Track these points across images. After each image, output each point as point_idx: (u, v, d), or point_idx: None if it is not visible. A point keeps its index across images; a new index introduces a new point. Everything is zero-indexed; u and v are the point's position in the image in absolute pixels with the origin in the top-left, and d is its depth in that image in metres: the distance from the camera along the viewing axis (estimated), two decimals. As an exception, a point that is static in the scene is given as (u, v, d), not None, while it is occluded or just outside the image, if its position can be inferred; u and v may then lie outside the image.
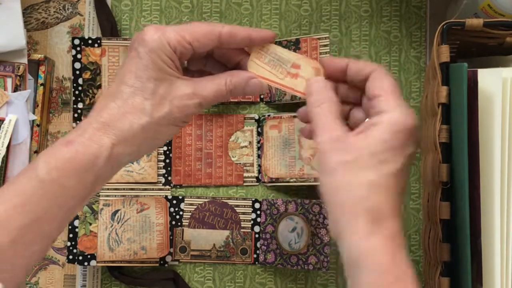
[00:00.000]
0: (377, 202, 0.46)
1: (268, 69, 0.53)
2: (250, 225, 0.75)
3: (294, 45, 0.73)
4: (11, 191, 0.47)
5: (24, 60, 0.72)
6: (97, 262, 0.72)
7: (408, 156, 0.48)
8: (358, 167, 0.47)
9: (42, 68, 0.73)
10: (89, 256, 0.72)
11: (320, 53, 0.72)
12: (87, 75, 0.74)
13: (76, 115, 0.74)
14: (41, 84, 0.73)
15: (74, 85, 0.74)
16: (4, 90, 0.72)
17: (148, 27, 0.50)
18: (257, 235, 0.75)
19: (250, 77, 0.53)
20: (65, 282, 0.75)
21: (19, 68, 0.72)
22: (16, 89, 0.72)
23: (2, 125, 0.71)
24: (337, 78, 0.53)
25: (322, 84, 0.51)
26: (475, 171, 0.55)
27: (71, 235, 0.72)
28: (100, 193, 0.73)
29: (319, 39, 0.72)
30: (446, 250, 0.57)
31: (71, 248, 0.72)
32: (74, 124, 0.74)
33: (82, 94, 0.74)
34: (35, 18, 0.76)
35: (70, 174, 0.48)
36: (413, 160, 0.52)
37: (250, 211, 0.75)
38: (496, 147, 0.55)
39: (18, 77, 0.72)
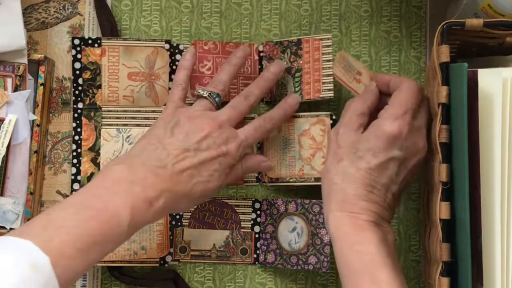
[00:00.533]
0: (347, 189, 0.60)
1: (343, 73, 0.70)
2: (250, 225, 0.75)
3: (296, 46, 0.73)
4: (90, 223, 0.56)
5: (24, 60, 0.72)
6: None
7: (390, 159, 0.60)
8: (342, 158, 0.61)
9: (42, 68, 0.73)
10: None
11: (323, 54, 0.72)
12: (87, 75, 0.74)
13: (76, 115, 0.74)
14: (41, 84, 0.73)
15: (74, 85, 0.74)
16: (4, 90, 0.72)
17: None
18: (257, 235, 0.75)
19: (261, 161, 0.70)
20: (65, 282, 0.75)
21: (19, 68, 0.72)
22: (16, 89, 0.72)
23: (2, 125, 0.71)
24: (383, 91, 0.66)
25: (372, 88, 0.66)
26: (475, 171, 0.55)
27: None
28: None
29: (321, 39, 0.72)
30: (446, 250, 0.57)
31: None
32: (74, 124, 0.74)
33: (82, 94, 0.74)
34: (35, 18, 0.76)
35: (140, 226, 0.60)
36: (403, 162, 0.61)
37: (250, 211, 0.75)
38: (496, 147, 0.55)
39: (18, 77, 0.72)
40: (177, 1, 0.76)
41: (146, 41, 0.74)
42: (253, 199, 0.75)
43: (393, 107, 0.61)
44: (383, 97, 0.66)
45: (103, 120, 0.74)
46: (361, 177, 0.60)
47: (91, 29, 0.76)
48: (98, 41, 0.74)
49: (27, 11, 0.76)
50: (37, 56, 0.73)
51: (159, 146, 0.63)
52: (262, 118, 0.69)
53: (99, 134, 0.74)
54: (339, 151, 0.62)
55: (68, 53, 0.76)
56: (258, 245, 0.75)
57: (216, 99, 0.68)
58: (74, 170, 0.74)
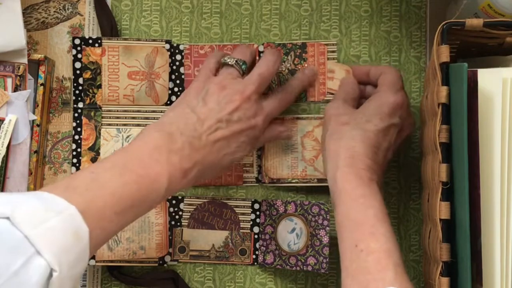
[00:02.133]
0: (356, 147, 0.63)
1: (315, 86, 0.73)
2: (249, 226, 0.75)
3: (301, 49, 0.73)
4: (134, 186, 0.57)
5: (24, 60, 0.72)
6: (96, 262, 0.72)
7: (392, 125, 0.65)
8: (347, 122, 0.65)
9: (42, 68, 0.73)
10: None
11: (328, 59, 0.73)
12: (87, 74, 0.74)
13: (76, 114, 0.74)
14: (41, 84, 0.73)
15: (75, 84, 0.74)
16: (4, 90, 0.72)
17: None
18: (256, 236, 0.75)
19: (281, 131, 0.72)
20: (65, 282, 0.75)
21: (19, 68, 0.72)
22: (16, 89, 0.72)
23: (2, 125, 0.71)
24: (362, 80, 0.71)
25: (350, 80, 0.72)
26: (475, 171, 0.55)
27: None
28: None
29: (326, 45, 0.73)
30: (446, 250, 0.57)
31: None
32: (74, 124, 0.74)
33: (82, 94, 0.74)
34: (35, 18, 0.76)
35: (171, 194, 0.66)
36: (400, 131, 0.67)
37: (250, 212, 0.75)
38: (496, 147, 0.55)
39: (18, 77, 0.72)
40: (177, 1, 0.76)
41: (146, 41, 0.74)
42: (252, 200, 0.75)
43: (388, 85, 0.67)
44: (362, 87, 0.72)
45: (103, 119, 0.74)
46: (369, 138, 0.64)
47: (91, 29, 0.76)
48: (99, 41, 0.74)
49: (27, 11, 0.76)
50: (37, 56, 0.73)
51: (193, 115, 0.64)
52: (284, 90, 0.71)
53: (99, 133, 0.74)
54: (342, 118, 0.66)
55: (68, 53, 0.76)
56: (257, 245, 0.75)
57: (243, 66, 0.68)
58: (74, 169, 0.74)
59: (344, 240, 0.60)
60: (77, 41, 0.74)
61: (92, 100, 0.74)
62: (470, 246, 0.54)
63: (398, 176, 0.75)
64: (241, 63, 0.68)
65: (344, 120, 0.66)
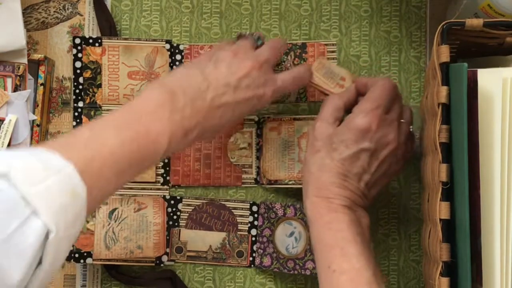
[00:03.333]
0: (322, 177, 0.63)
1: (324, 80, 0.70)
2: (247, 228, 0.75)
3: (300, 49, 0.73)
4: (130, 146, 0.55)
5: (24, 60, 0.72)
6: (93, 260, 0.72)
7: (361, 150, 0.63)
8: (319, 150, 0.65)
9: (42, 68, 0.73)
10: (85, 254, 0.72)
11: (328, 59, 0.72)
12: (87, 74, 0.74)
13: (76, 113, 0.74)
14: (41, 84, 0.73)
15: (75, 84, 0.74)
16: (4, 90, 0.72)
17: None
18: (253, 238, 0.75)
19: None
20: (65, 282, 0.75)
21: (19, 68, 0.72)
22: (16, 89, 0.72)
23: (2, 125, 0.71)
24: (363, 92, 0.68)
25: (350, 88, 0.69)
26: (475, 171, 0.55)
27: None
28: None
29: (326, 45, 0.72)
30: (446, 250, 0.57)
31: None
32: (74, 123, 0.74)
33: (82, 93, 0.74)
34: (35, 18, 0.76)
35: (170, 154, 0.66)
36: (371, 155, 0.64)
37: (248, 214, 0.75)
38: (496, 147, 0.55)
39: (18, 77, 0.72)
40: (177, 1, 0.76)
41: (146, 41, 0.74)
42: (250, 202, 0.75)
43: (366, 103, 0.65)
44: (360, 98, 0.68)
45: None
46: (335, 167, 0.63)
47: (91, 29, 0.76)
48: (99, 41, 0.74)
49: (27, 11, 0.76)
50: (37, 56, 0.73)
51: (201, 76, 0.62)
52: (303, 68, 0.69)
53: None
54: (316, 143, 0.65)
55: (68, 53, 0.76)
56: (254, 248, 0.75)
57: (258, 41, 0.68)
58: None
59: (318, 262, 0.62)
60: (77, 41, 0.74)
61: (92, 100, 0.74)
62: (470, 246, 0.54)
63: (398, 176, 0.75)
64: (256, 37, 0.68)
65: (316, 147, 0.65)
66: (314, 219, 0.63)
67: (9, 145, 0.71)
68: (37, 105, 0.73)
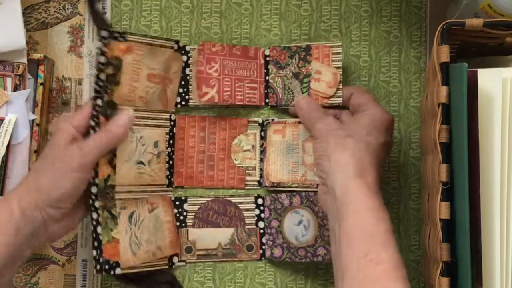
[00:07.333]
0: (364, 159, 0.63)
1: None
2: (254, 221, 0.75)
3: (305, 51, 0.73)
4: None
5: (24, 60, 0.72)
6: (122, 269, 0.68)
7: (386, 141, 0.67)
8: (349, 135, 0.65)
9: (42, 67, 0.73)
10: (114, 264, 0.68)
11: (333, 61, 0.72)
12: (110, 71, 0.67)
13: (95, 112, 0.67)
14: (41, 84, 0.73)
15: (96, 80, 0.67)
16: (4, 89, 0.72)
17: None
18: (262, 231, 0.75)
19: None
20: (65, 282, 0.75)
21: (18, 68, 0.72)
22: (15, 88, 0.72)
23: (2, 125, 0.71)
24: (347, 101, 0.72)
25: (310, 100, 0.72)
26: (475, 171, 0.55)
27: (96, 243, 0.67)
28: (116, 196, 0.69)
29: (331, 46, 0.72)
30: (446, 250, 0.57)
31: (97, 257, 0.67)
32: (92, 123, 0.67)
33: (101, 90, 0.68)
34: (35, 18, 0.76)
35: None
36: (388, 148, 0.68)
37: (253, 207, 0.75)
38: (496, 147, 0.55)
39: (17, 77, 0.72)
40: (177, 1, 0.76)
41: (160, 39, 0.72)
42: (255, 195, 0.75)
43: (375, 102, 0.69)
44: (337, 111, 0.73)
45: None
46: (374, 150, 0.65)
47: (91, 29, 0.76)
48: (124, 36, 0.69)
49: (27, 11, 0.76)
50: (36, 56, 0.73)
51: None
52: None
53: None
54: (341, 132, 0.66)
55: (68, 53, 0.76)
56: (263, 240, 0.74)
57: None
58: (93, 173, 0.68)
59: (351, 249, 0.59)
60: (104, 33, 0.67)
61: (109, 98, 0.68)
62: (470, 246, 0.54)
63: (398, 176, 0.75)
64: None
65: (344, 133, 0.66)
66: (357, 201, 0.61)
67: (9, 144, 0.71)
68: (37, 105, 0.73)
